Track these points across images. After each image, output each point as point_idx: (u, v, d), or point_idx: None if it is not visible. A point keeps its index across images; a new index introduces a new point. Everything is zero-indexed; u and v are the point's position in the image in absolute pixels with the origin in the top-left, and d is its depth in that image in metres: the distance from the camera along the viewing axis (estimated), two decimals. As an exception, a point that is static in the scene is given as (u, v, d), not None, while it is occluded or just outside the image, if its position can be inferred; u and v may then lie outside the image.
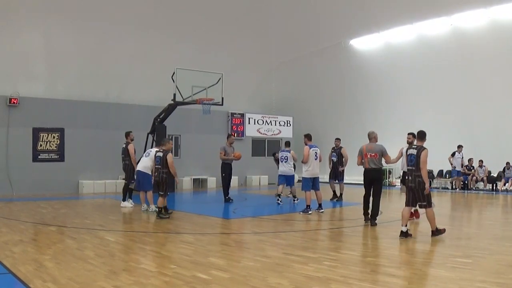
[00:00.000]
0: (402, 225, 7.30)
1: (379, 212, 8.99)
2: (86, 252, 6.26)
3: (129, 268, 5.46)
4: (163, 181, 9.85)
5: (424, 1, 16.82)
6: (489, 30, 16.14)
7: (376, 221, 8.77)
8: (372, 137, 9.04)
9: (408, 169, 7.45)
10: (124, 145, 12.13)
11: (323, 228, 8.87)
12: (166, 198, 9.93)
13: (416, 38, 18.32)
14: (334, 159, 13.80)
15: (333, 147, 13.99)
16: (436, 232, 7.25)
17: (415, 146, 7.46)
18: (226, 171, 13.29)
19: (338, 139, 13.94)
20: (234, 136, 13.76)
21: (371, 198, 8.93)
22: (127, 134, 12.16)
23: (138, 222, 9.74)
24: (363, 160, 8.90)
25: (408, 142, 9.03)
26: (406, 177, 7.54)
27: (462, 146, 17.31)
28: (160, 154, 9.99)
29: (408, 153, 7.51)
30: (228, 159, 13.18)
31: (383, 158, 8.88)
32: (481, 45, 16.47)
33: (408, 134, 9.35)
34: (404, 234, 7.19)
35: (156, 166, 10.01)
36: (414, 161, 7.24)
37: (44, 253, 6.19)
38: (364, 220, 9.02)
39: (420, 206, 7.43)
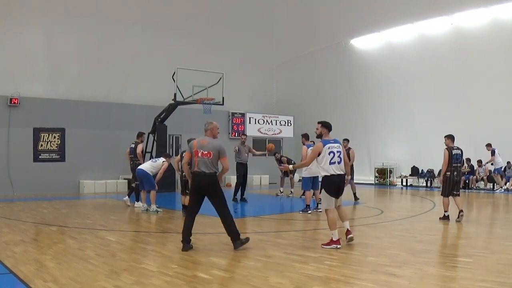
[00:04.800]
0: (445, 211, 9.23)
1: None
2: (87, 252, 6.27)
3: (130, 268, 5.46)
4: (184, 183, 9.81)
5: (424, 0, 16.81)
6: (489, 29, 16.12)
7: (242, 241, 6.52)
8: (208, 128, 6.67)
9: (454, 166, 9.11)
10: (133, 145, 12.33)
11: (324, 228, 8.85)
12: None
13: (417, 37, 18.30)
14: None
15: None
16: (462, 212, 9.09)
17: (457, 147, 9.24)
18: (240, 171, 13.17)
19: (346, 140, 13.46)
20: (235, 136, 13.76)
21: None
22: (140, 135, 12.46)
23: (139, 222, 9.74)
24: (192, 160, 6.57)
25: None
26: (451, 173, 9.11)
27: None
28: None
29: (454, 153, 9.12)
30: (258, 154, 13.30)
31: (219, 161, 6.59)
32: (481, 44, 16.45)
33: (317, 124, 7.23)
34: (447, 218, 9.13)
35: None
36: (460, 159, 9.23)
37: (45, 253, 6.20)
38: (183, 248, 6.36)
39: (454, 195, 9.19)
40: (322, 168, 6.65)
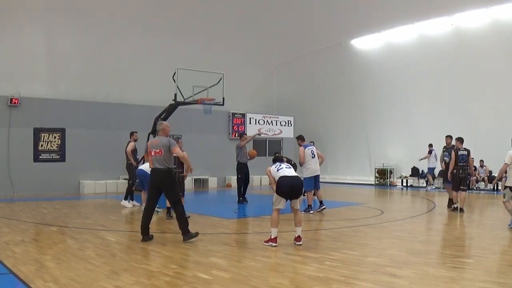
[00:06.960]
0: (454, 203, 10.84)
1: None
2: (87, 252, 6.27)
3: (130, 268, 5.46)
4: (179, 181, 9.49)
5: (425, 1, 16.80)
6: (490, 30, 16.12)
7: (192, 235, 7.08)
8: (159, 129, 7.47)
9: (460, 165, 10.45)
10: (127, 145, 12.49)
11: (324, 228, 8.86)
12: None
13: (417, 38, 18.30)
14: (447, 159, 11.45)
15: (444, 146, 11.90)
16: (462, 210, 10.45)
17: (464, 148, 10.53)
18: (241, 171, 13.16)
19: (449, 137, 11.70)
20: (235, 136, 13.70)
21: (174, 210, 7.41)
22: (131, 134, 12.61)
23: (139, 222, 9.70)
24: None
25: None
26: (457, 171, 10.48)
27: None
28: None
29: (459, 154, 10.45)
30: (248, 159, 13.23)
31: (172, 156, 7.35)
32: (482, 45, 16.45)
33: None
34: (457, 209, 10.53)
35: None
36: (466, 159, 10.45)
37: (45, 253, 6.20)
38: (142, 239, 7.18)
39: (461, 190, 10.50)
40: (277, 174, 7.00)
